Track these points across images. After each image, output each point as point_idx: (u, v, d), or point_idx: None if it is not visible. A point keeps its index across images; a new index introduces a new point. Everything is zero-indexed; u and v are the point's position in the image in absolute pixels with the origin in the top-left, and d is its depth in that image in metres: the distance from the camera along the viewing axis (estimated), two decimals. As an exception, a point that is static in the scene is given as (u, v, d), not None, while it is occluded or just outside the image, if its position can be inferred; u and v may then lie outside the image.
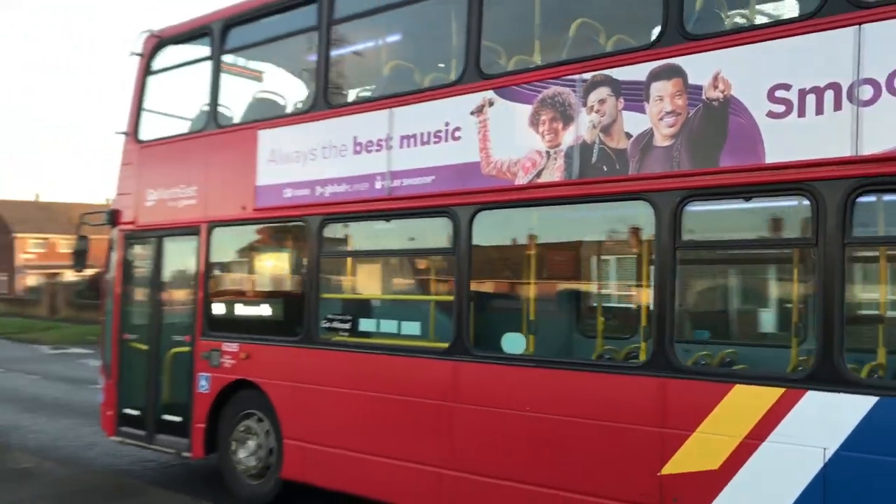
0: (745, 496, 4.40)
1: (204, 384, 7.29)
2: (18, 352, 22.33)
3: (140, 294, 8.25)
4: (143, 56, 8.15)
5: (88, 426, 10.18)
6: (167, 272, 7.98)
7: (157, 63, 8.16)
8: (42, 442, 9.69)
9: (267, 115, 7.26)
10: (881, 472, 3.99)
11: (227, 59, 7.63)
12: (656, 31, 4.94)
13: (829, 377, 4.19)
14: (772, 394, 4.35)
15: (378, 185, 6.09)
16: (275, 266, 7.69)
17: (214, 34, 7.50)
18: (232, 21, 7.40)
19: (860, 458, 4.06)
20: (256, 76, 8.04)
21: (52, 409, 12.14)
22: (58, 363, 19.05)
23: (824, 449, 4.14)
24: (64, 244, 63.77)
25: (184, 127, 8.07)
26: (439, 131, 5.75)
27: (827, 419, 4.16)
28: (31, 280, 56.94)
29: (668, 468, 4.67)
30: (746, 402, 4.43)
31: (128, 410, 8.09)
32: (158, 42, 8.13)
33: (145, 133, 8.20)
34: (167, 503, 6.64)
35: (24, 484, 7.09)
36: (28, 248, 64.33)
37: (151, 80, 8.17)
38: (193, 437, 7.33)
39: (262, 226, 7.36)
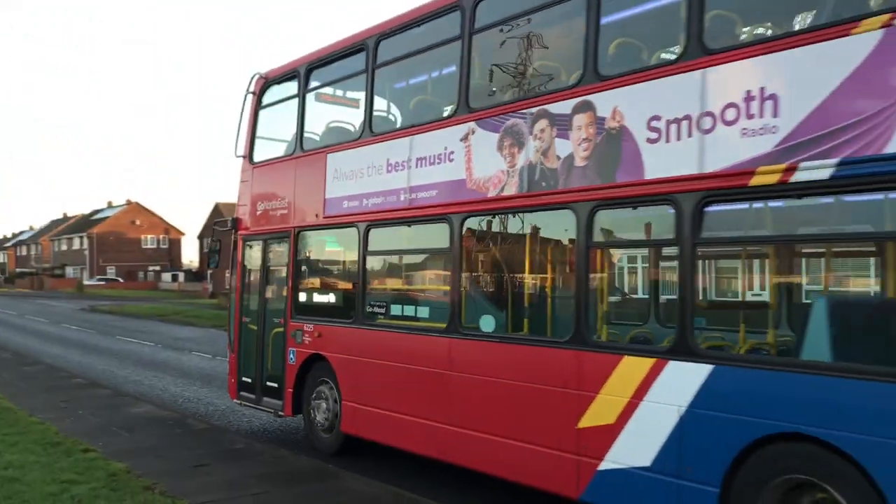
0: (631, 444, 5.66)
1: (292, 357, 9.37)
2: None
3: (253, 285, 10.47)
4: (254, 94, 10.22)
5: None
6: (271, 268, 10.10)
7: (266, 98, 10.22)
8: (253, 426, 10.65)
9: (333, 141, 9.14)
10: (715, 424, 5.15)
11: (326, 91, 9.53)
12: (578, 73, 6.27)
13: (683, 350, 5.40)
14: (647, 363, 5.60)
15: (402, 197, 7.87)
16: (337, 262, 9.56)
17: (300, 76, 9.54)
18: (312, 65, 9.43)
19: (704, 414, 5.24)
20: (354, 105, 9.56)
21: None
22: None
23: (678, 406, 5.36)
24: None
25: (282, 151, 10.07)
26: (440, 154, 7.40)
27: (681, 383, 5.36)
28: None
29: (583, 422, 5.99)
30: (631, 370, 5.71)
31: (245, 378, 10.35)
32: (265, 83, 10.21)
33: (257, 156, 10.37)
34: (363, 488, 7.04)
35: (239, 463, 7.86)
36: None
37: (262, 112, 10.29)
38: (285, 399, 9.45)
39: (328, 230, 9.27)
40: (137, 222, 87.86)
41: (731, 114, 5.13)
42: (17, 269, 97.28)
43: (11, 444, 8.34)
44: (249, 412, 11.00)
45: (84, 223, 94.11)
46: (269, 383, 9.87)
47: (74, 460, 7.67)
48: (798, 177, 4.79)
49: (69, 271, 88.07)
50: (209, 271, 74.87)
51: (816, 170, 4.69)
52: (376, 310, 8.37)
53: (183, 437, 9.16)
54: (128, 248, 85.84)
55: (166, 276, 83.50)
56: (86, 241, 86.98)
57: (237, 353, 10.53)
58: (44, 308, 42.59)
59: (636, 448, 5.60)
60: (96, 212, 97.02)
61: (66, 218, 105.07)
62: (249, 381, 10.26)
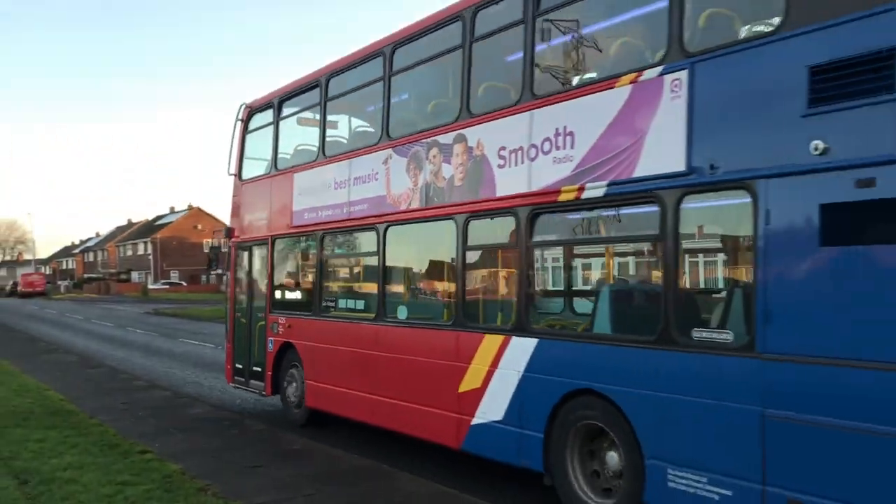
0: (491, 403, 7.24)
1: (270, 345, 11.19)
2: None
3: (243, 285, 12.31)
4: (242, 121, 12.01)
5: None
6: (255, 269, 11.99)
7: (251, 125, 11.98)
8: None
9: (298, 162, 10.81)
10: (539, 384, 6.74)
11: (306, 115, 10.98)
12: (457, 108, 7.92)
13: (520, 328, 7.05)
14: (498, 339, 7.22)
15: (345, 210, 9.56)
16: (302, 264, 11.10)
17: (275, 106, 11.29)
18: (283, 97, 11.21)
19: (533, 377, 6.81)
20: (331, 126, 10.80)
21: None
22: None
23: (518, 371, 6.96)
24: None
25: (263, 170, 11.71)
26: (370, 175, 9.11)
27: (518, 353, 6.95)
28: None
29: (461, 388, 7.60)
30: (489, 345, 7.31)
31: (237, 365, 12.21)
32: (250, 111, 11.95)
33: (245, 174, 12.17)
34: (417, 489, 7.12)
35: (294, 464, 7.99)
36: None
37: (248, 136, 12.05)
38: (266, 381, 11.25)
39: (295, 238, 10.99)
40: (199, 227, 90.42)
41: (546, 146, 6.69)
42: (85, 275, 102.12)
43: (72, 445, 8.65)
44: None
45: (148, 229, 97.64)
46: (254, 368, 11.72)
47: (131, 462, 7.90)
48: (586, 194, 6.33)
49: (134, 276, 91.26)
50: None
51: (596, 189, 6.24)
52: (328, 304, 10.16)
53: (238, 438, 9.42)
54: (190, 252, 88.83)
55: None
56: (149, 246, 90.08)
57: (231, 343, 12.46)
58: (109, 312, 44.80)
59: (494, 406, 7.18)
60: (159, 217, 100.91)
61: (130, 224, 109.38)
62: (241, 367, 12.13)
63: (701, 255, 6.94)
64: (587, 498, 6.41)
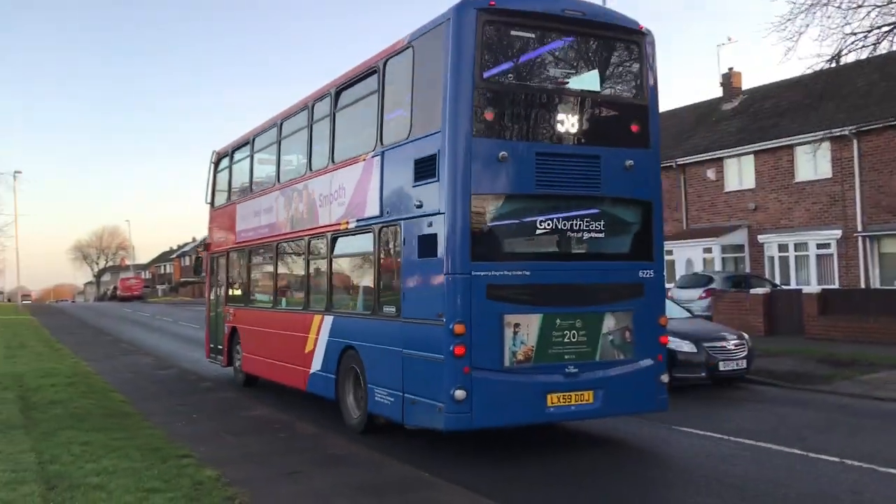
0: (317, 358, 11.10)
1: (225, 329, 15.57)
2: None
3: (214, 284, 16.65)
4: (213, 163, 16.48)
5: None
6: (220, 274, 16.25)
7: (219, 166, 16.42)
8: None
9: (239, 196, 15.33)
10: (333, 344, 10.70)
11: (261, 155, 14.51)
12: (304, 166, 12.21)
13: (327, 310, 11.05)
14: (319, 317, 11.18)
15: (257, 232, 13.97)
16: (241, 270, 15.14)
17: (229, 154, 15.79)
18: (235, 147, 15.58)
19: (331, 340, 10.77)
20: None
21: None
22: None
23: (325, 337, 11.00)
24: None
25: (224, 200, 16.28)
26: (269, 207, 13.32)
27: (325, 325, 10.94)
28: None
29: (306, 349, 11.48)
30: (317, 321, 11.25)
31: (211, 344, 16.77)
32: (217, 156, 16.40)
33: (216, 203, 16.64)
34: (457, 499, 6.91)
35: (335, 471, 7.73)
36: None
37: (217, 175, 16.55)
38: (223, 355, 15.64)
39: (238, 250, 15.12)
40: None
41: (336, 195, 10.64)
42: (182, 279, 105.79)
43: (115, 448, 8.56)
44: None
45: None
46: (219, 346, 16.03)
47: (168, 467, 7.70)
48: (349, 226, 10.28)
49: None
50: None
51: (353, 223, 10.16)
52: (251, 298, 14.58)
53: (286, 442, 9.24)
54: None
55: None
56: None
57: (207, 329, 17.27)
58: (198, 314, 46.05)
59: (317, 360, 11.15)
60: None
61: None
62: (212, 346, 16.66)
63: (383, 262, 9.75)
64: (353, 410, 10.26)
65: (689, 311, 16.19)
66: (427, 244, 8.28)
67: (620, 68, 9.32)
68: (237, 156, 15.32)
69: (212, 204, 16.66)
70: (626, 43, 9.12)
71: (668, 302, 14.52)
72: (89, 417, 10.74)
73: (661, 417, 10.27)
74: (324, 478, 7.59)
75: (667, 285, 25.86)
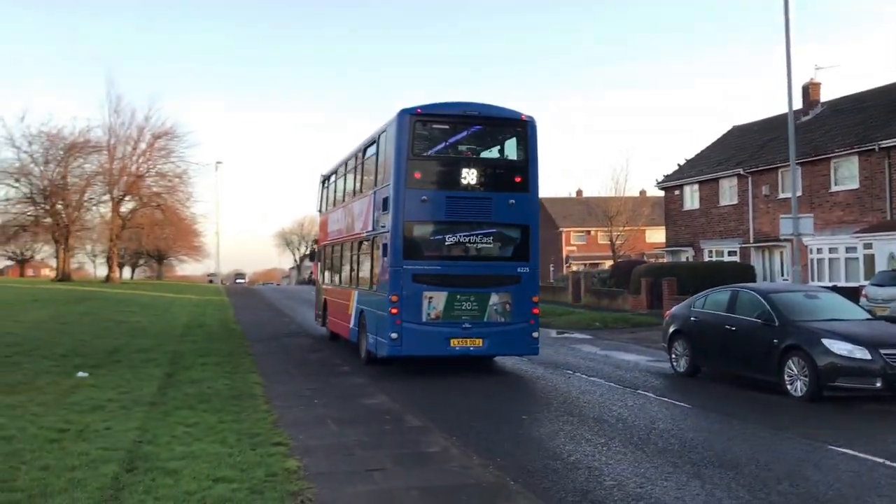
0: (353, 319, 16.80)
1: (321, 301, 21.89)
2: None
3: (321, 270, 22.27)
4: (321, 182, 22.47)
5: (533, 413, 10.93)
6: (324, 261, 22.13)
7: (325, 184, 22.12)
8: (473, 430, 10.55)
9: (330, 206, 20.95)
10: (357, 309, 16.54)
11: (335, 184, 20.86)
12: (350, 194, 18.90)
13: (355, 287, 17.18)
14: (353, 291, 17.07)
15: (338, 234, 19.32)
16: (327, 259, 21.24)
17: (326, 176, 21.84)
18: (328, 174, 21.68)
19: (356, 306, 16.60)
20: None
21: (512, 392, 12.63)
22: (552, 346, 19.20)
23: (356, 304, 16.60)
24: (602, 236, 70.42)
25: (324, 209, 22.33)
26: (340, 217, 19.03)
27: (355, 297, 16.78)
28: (575, 269, 62.89)
29: (348, 312, 17.40)
30: (352, 294, 17.15)
31: (318, 311, 22.67)
32: (322, 177, 22.33)
33: (322, 210, 22.64)
34: None
35: (417, 471, 7.41)
36: (572, 240, 74.30)
37: (323, 190, 22.33)
38: (322, 319, 21.56)
39: (327, 246, 21.14)
40: None
41: (359, 214, 16.72)
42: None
43: (216, 431, 8.63)
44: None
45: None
46: (319, 312, 22.43)
47: (253, 454, 7.62)
48: (363, 235, 16.22)
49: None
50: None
51: (366, 234, 15.89)
52: (331, 279, 20.35)
53: (386, 435, 8.98)
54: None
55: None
56: None
57: (315, 301, 23.45)
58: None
59: (352, 319, 16.66)
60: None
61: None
62: (318, 313, 22.67)
63: (374, 259, 15.38)
64: (363, 350, 15.68)
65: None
66: (385, 248, 14.40)
67: (507, 142, 15.06)
68: (329, 180, 21.55)
69: (319, 211, 23.21)
70: (511, 127, 14.74)
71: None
72: (215, 398, 11.00)
73: (816, 435, 9.22)
74: (402, 477, 7.20)
75: (861, 283, 23.47)
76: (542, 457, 8.19)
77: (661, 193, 42.52)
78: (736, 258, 35.10)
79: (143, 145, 59.55)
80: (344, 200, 19.05)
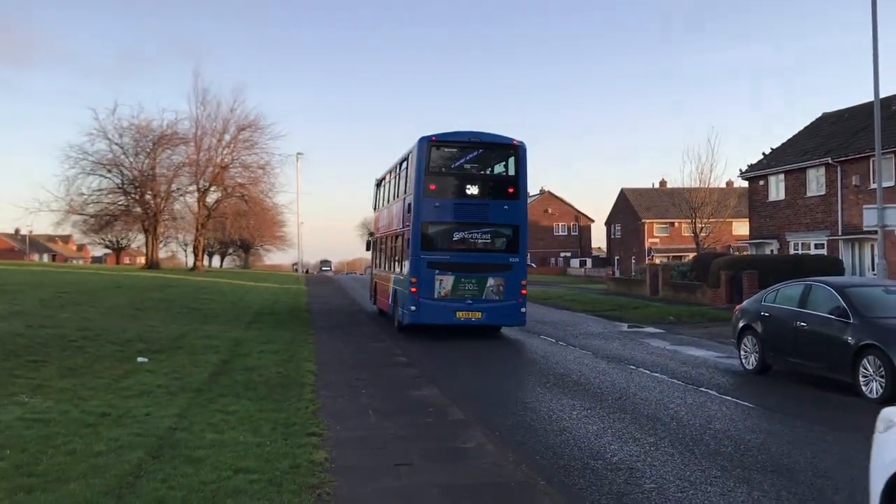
0: (390, 297, 21.71)
1: (371, 283, 27.83)
2: (597, 327, 22.58)
3: (374, 259, 27.30)
4: (375, 184, 27.11)
5: (584, 409, 10.42)
6: (378, 252, 25.90)
7: (378, 187, 26.48)
8: (512, 420, 10.16)
9: (381, 205, 25.52)
10: (392, 290, 21.50)
11: (384, 188, 25.51)
12: (391, 196, 23.60)
13: (392, 271, 22.00)
14: (391, 275, 22.18)
15: (386, 227, 23.73)
16: (376, 249, 26.35)
17: (379, 180, 26.33)
18: (379, 180, 26.06)
19: (393, 287, 21.44)
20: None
21: (567, 386, 12.16)
22: (619, 341, 19.08)
23: (392, 285, 21.67)
24: (686, 228, 68.35)
25: (376, 206, 27.18)
26: (387, 214, 23.44)
27: (392, 279, 21.65)
28: (658, 262, 61.23)
29: (389, 291, 22.29)
30: (391, 277, 21.96)
31: (372, 293, 27.31)
32: (376, 180, 26.87)
33: (375, 208, 27.27)
34: None
35: (446, 467, 7.17)
36: (654, 231, 72.53)
37: (377, 190, 26.69)
38: (372, 299, 27.05)
39: (377, 239, 25.95)
40: (550, 210, 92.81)
41: (396, 213, 21.36)
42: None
43: (252, 420, 8.55)
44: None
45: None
46: (371, 294, 27.16)
47: (284, 444, 7.50)
48: (398, 232, 21.03)
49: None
50: (593, 256, 76.76)
51: (399, 230, 20.66)
52: (379, 265, 24.86)
53: (425, 428, 8.75)
54: (541, 236, 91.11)
55: (575, 262, 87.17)
56: None
57: (369, 285, 28.41)
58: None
59: (390, 297, 21.54)
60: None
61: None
62: (371, 294, 26.99)
63: (404, 250, 19.61)
64: (395, 321, 20.25)
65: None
66: (408, 242, 18.80)
67: (502, 162, 19.61)
68: (380, 184, 26.27)
69: (374, 209, 27.96)
70: (505, 149, 19.08)
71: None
72: (262, 386, 10.97)
73: None
74: (428, 473, 6.94)
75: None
76: (584, 455, 7.80)
77: (746, 184, 40.93)
78: (823, 251, 33.47)
79: (227, 137, 60.89)
80: (387, 203, 23.92)
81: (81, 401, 9.32)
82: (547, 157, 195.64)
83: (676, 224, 68.41)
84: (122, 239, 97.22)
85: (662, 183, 74.82)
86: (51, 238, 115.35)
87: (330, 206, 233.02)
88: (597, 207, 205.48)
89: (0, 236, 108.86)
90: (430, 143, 18.57)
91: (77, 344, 14.21)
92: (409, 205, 18.86)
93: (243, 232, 67.42)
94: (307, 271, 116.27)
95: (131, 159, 58.26)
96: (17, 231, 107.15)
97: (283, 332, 18.79)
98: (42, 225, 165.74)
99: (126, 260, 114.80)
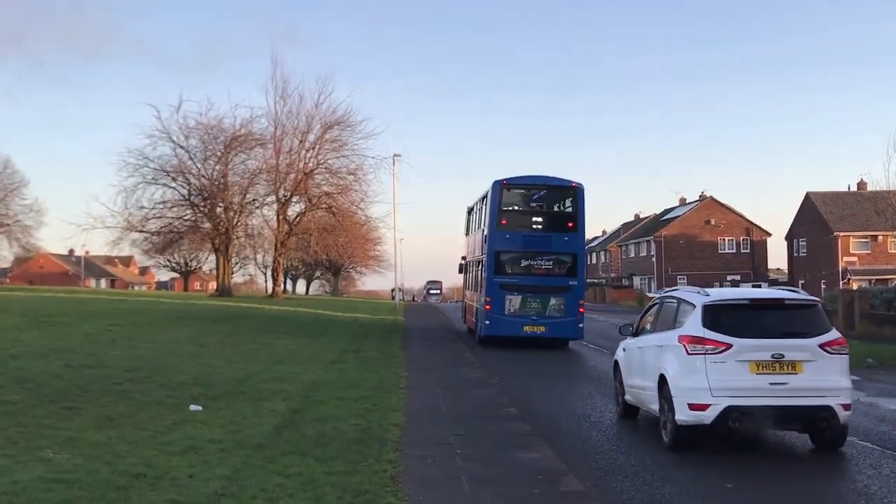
0: (472, 315, 33.18)
1: (465, 304, 38.44)
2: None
3: (466, 282, 37.47)
4: (466, 212, 37.21)
5: (739, 476, 10.81)
6: (468, 274, 35.89)
7: (469, 214, 36.35)
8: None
9: (468, 232, 36.74)
10: (474, 308, 32.71)
11: (471, 216, 36.48)
12: (475, 226, 34.67)
13: (475, 291, 32.90)
14: (474, 294, 33.04)
15: (470, 253, 35.62)
16: (469, 273, 35.60)
17: (468, 210, 36.86)
18: (470, 208, 36.41)
19: (475, 305, 31.86)
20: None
21: (707, 449, 12.09)
22: None
23: (475, 304, 32.40)
24: (894, 243, 64.95)
25: (467, 232, 37.72)
26: (473, 242, 33.78)
27: (474, 297, 33.31)
28: (855, 286, 58.43)
29: (472, 309, 33.29)
30: (474, 296, 33.08)
31: (466, 315, 36.65)
32: (467, 208, 37.02)
33: (467, 233, 37.06)
34: None
35: None
36: (851, 248, 69.28)
37: (468, 217, 36.65)
38: (466, 320, 36.46)
39: (465, 261, 37.33)
40: (712, 221, 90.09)
41: (478, 241, 31.86)
42: (588, 279, 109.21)
43: (316, 486, 8.63)
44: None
45: (653, 225, 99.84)
46: (465, 315, 37.29)
47: None
48: (478, 258, 31.61)
49: (636, 281, 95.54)
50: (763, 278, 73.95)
51: (480, 256, 30.58)
52: (470, 287, 34.85)
53: (530, 499, 8.78)
54: (701, 254, 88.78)
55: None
56: (653, 245, 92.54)
57: (462, 306, 41.70)
58: (588, 323, 47.03)
59: (472, 315, 32.58)
60: (667, 211, 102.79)
61: (637, 220, 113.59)
62: (464, 315, 37.52)
63: (482, 273, 30.45)
64: (476, 335, 30.13)
65: None
66: (484, 267, 28.48)
67: (564, 201, 28.81)
68: (470, 212, 35.57)
69: (466, 233, 37.19)
70: (566, 191, 28.16)
71: None
72: (334, 442, 11.03)
73: None
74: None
75: None
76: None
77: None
78: None
79: (311, 137, 61.81)
80: (473, 231, 33.90)
81: (116, 458, 9.56)
82: (707, 156, 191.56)
83: (881, 238, 65.58)
84: (190, 260, 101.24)
85: (861, 185, 71.73)
86: (109, 260, 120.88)
87: (436, 219, 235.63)
88: (774, 218, 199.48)
89: (52, 258, 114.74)
90: (502, 186, 27.86)
91: (122, 387, 14.72)
92: (486, 236, 28.31)
93: (331, 251, 67.15)
94: (413, 298, 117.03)
95: (199, 165, 60.24)
96: (71, 252, 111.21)
97: (370, 374, 18.90)
98: (98, 244, 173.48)
99: (196, 285, 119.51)
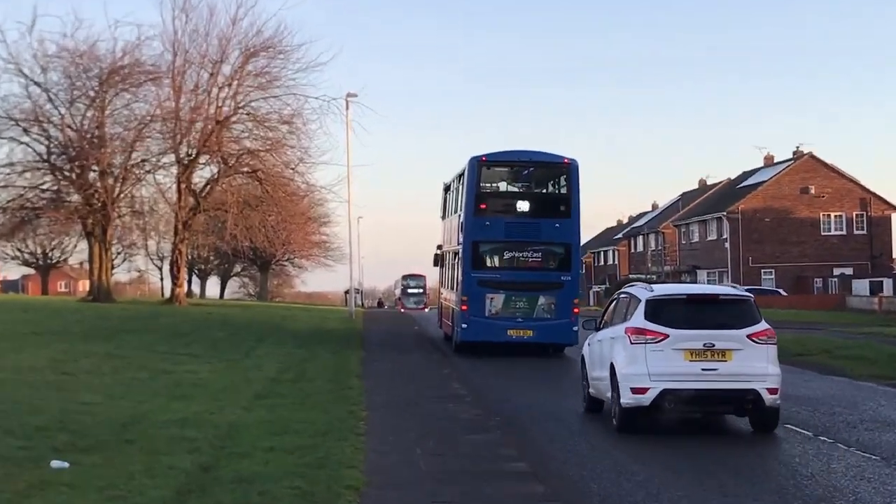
0: (447, 318, 42.81)
1: (440, 305, 49.09)
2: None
3: (442, 278, 47.56)
4: (443, 189, 46.73)
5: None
6: (444, 268, 45.32)
7: (447, 192, 45.74)
8: None
9: (444, 215, 46.36)
10: (451, 309, 40.94)
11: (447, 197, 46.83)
12: (451, 210, 44.60)
13: (449, 289, 44.35)
14: (451, 293, 41.50)
15: (448, 242, 44.15)
16: (445, 266, 45.29)
17: (445, 187, 46.13)
18: (448, 184, 44.84)
19: (453, 307, 39.29)
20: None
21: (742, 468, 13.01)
22: (838, 404, 21.89)
23: (452, 305, 40.84)
24: None
25: (443, 215, 47.94)
26: (448, 228, 43.22)
27: (448, 297, 43.60)
28: None
29: (446, 312, 44.55)
30: (450, 296, 42.00)
31: (438, 319, 49.48)
32: (444, 184, 46.51)
33: (444, 216, 46.38)
34: None
35: None
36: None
37: (446, 195, 45.79)
38: (441, 322, 46.58)
39: (441, 251, 46.35)
40: (812, 190, 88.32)
41: (453, 230, 40.17)
42: (628, 275, 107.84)
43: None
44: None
45: (726, 195, 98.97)
46: (438, 317, 48.98)
47: None
48: (453, 249, 41.16)
49: (702, 277, 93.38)
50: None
51: (455, 245, 39.48)
52: (445, 284, 44.54)
53: None
54: (797, 237, 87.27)
55: (861, 286, 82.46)
56: (725, 225, 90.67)
57: (438, 313, 49.19)
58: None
59: (447, 318, 42.39)
60: (746, 175, 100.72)
61: (703, 188, 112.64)
62: (438, 318, 48.91)
63: (458, 266, 39.73)
64: (452, 341, 38.66)
65: None
66: (460, 259, 35.97)
67: (553, 180, 37.64)
68: (447, 191, 43.37)
69: (442, 217, 45.27)
70: (556, 168, 35.86)
71: None
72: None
73: None
74: None
75: None
76: None
77: None
78: None
79: (227, 69, 60.98)
80: (448, 216, 41.30)
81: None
82: (804, 100, 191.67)
83: None
84: (51, 250, 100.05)
85: None
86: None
87: (412, 189, 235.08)
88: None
89: None
90: (480, 163, 33.90)
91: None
92: (462, 223, 34.48)
93: (256, 234, 64.32)
94: (378, 303, 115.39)
95: (63, 110, 59.13)
96: None
97: (316, 412, 19.00)
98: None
99: (60, 285, 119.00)
